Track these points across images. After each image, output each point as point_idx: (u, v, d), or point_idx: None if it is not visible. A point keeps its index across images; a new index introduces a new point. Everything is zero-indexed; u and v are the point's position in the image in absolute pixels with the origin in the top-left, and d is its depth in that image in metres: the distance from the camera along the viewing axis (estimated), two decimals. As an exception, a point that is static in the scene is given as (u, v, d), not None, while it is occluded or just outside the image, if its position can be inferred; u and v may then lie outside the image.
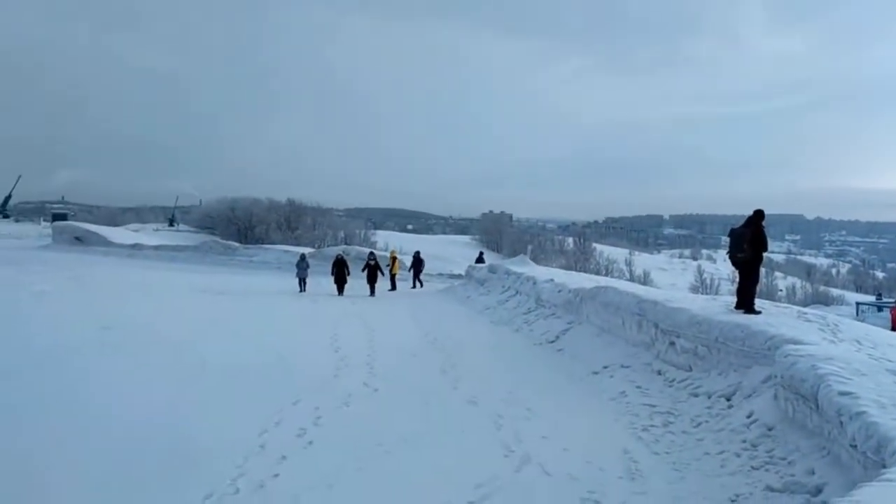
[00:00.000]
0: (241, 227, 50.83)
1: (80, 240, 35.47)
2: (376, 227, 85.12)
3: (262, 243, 44.50)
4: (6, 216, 62.54)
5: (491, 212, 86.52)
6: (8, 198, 66.46)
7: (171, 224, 57.08)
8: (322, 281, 18.45)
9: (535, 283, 13.05)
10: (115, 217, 61.11)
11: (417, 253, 22.02)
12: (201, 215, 57.95)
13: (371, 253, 19.50)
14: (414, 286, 20.78)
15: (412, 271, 21.24)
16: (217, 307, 13.35)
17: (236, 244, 35.34)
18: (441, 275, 25.76)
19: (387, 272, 20.39)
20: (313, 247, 43.11)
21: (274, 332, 10.09)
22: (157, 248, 33.73)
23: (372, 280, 17.75)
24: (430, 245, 57.27)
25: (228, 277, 22.84)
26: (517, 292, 13.94)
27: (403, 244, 43.13)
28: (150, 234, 45.73)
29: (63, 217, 53.87)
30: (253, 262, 30.71)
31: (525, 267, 16.58)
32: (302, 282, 18.14)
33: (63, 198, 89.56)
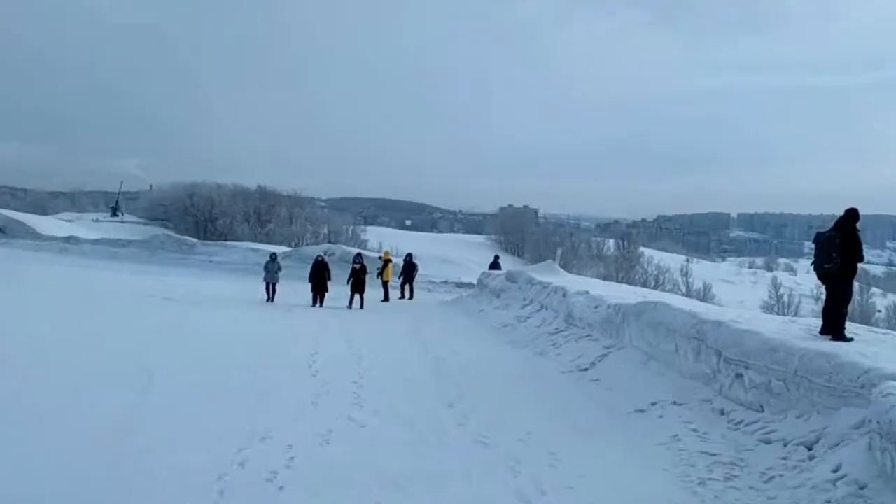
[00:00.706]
0: (199, 218, 51.33)
1: (1, 231, 35.81)
2: (367, 222, 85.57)
3: (226, 239, 44.85)
4: None
5: (511, 206, 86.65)
6: None
7: (114, 214, 57.50)
8: (299, 288, 18.53)
9: (565, 296, 13.06)
10: (45, 203, 61.62)
11: (409, 256, 22.10)
12: (151, 203, 58.52)
13: (358, 255, 19.34)
14: (403, 296, 20.95)
15: (402, 278, 21.35)
16: (168, 316, 13.45)
17: (193, 240, 35.66)
18: (447, 283, 25.85)
19: (375, 278, 20.44)
20: (289, 245, 43.45)
21: (239, 349, 10.13)
22: (96, 242, 34.07)
23: (358, 288, 17.75)
24: (433, 246, 57.42)
25: (183, 280, 23.02)
26: (542, 307, 13.97)
27: (400, 244, 43.32)
28: (89, 226, 46.09)
29: (-22, 201, 54.61)
30: (213, 263, 30.91)
31: (553, 275, 16.58)
32: (270, 287, 18.11)
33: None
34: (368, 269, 18.59)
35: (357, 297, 17.68)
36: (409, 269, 21.55)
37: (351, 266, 18.47)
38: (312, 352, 10.21)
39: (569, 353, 10.52)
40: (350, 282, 17.91)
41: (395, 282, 21.43)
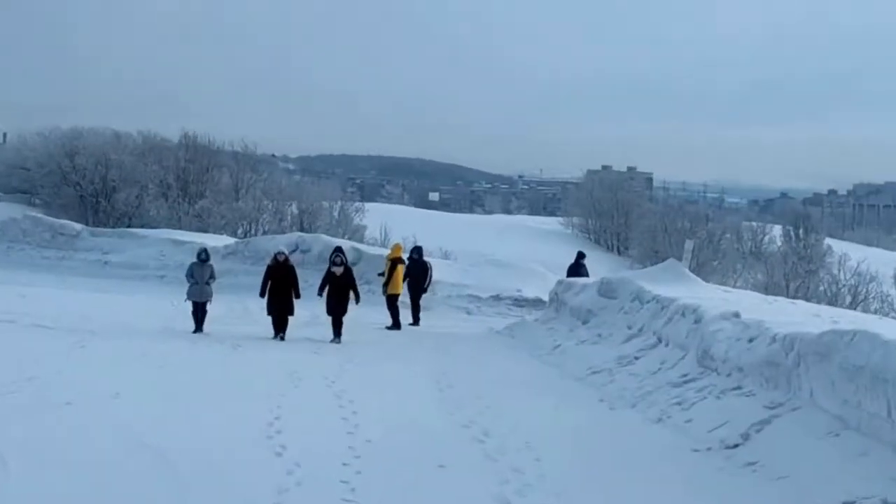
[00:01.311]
0: (86, 190, 52.11)
1: None
2: (365, 196, 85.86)
3: (130, 225, 45.52)
4: None
5: (606, 168, 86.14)
6: None
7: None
8: (250, 305, 18.79)
9: (698, 322, 13.02)
10: None
11: (418, 252, 22.10)
12: (7, 167, 59.54)
13: (338, 250, 19.03)
14: (415, 321, 21.44)
15: (407, 284, 21.62)
16: (34, 355, 13.68)
17: (76, 226, 36.39)
18: (499, 298, 25.90)
19: (382, 293, 20.52)
20: (233, 234, 43.86)
21: (155, 408, 10.27)
22: None
23: (338, 307, 17.81)
24: (474, 235, 57.08)
25: (61, 293, 23.46)
26: (660, 339, 13.99)
27: (420, 232, 43.35)
28: None
29: None
30: (110, 264, 31.43)
31: (679, 285, 16.48)
32: (198, 311, 18.24)
33: None
34: (357, 274, 18.79)
35: (335, 321, 17.85)
36: (416, 276, 21.64)
37: (327, 268, 18.55)
38: (274, 414, 10.32)
39: (705, 417, 10.45)
40: (324, 293, 17.99)
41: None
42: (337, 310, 17.86)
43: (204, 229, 43.31)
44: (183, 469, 8.08)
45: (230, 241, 34.77)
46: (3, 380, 11.53)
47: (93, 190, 51.61)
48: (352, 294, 18.21)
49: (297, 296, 17.92)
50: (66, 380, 12.04)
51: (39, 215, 38.89)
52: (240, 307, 21.81)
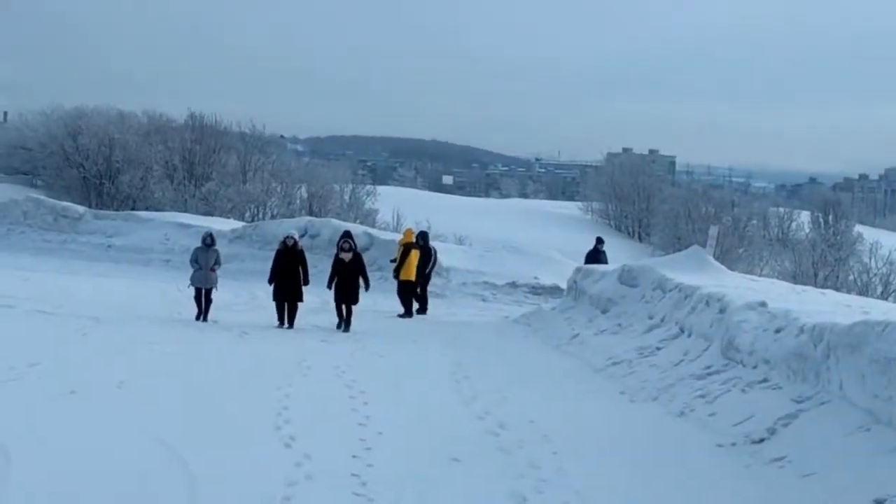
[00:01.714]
0: (90, 171, 52.37)
1: None
2: (378, 179, 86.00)
3: (134, 207, 45.67)
4: None
5: (626, 151, 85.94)
6: None
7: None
8: (258, 292, 18.83)
9: (722, 311, 13.03)
10: None
11: (424, 236, 22.13)
12: (6, 146, 59.81)
13: (346, 234, 19.18)
14: (423, 308, 21.47)
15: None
16: (39, 341, 13.80)
17: (80, 208, 36.57)
18: (515, 286, 25.97)
19: (393, 278, 20.55)
20: (241, 218, 43.99)
21: (160, 398, 10.34)
22: None
23: (347, 295, 17.77)
24: (491, 220, 57.11)
25: (64, 278, 23.58)
26: (683, 330, 14.00)
27: (434, 216, 43.36)
28: None
29: None
30: (114, 248, 31.58)
31: (702, 273, 16.49)
32: (202, 296, 18.27)
33: None
34: (369, 261, 18.79)
35: (341, 308, 17.81)
36: (422, 261, 21.69)
37: (335, 254, 18.51)
38: (281, 404, 10.37)
39: (730, 411, 10.44)
40: (333, 283, 17.96)
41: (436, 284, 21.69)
42: (346, 298, 17.77)
43: (210, 213, 43.49)
44: (190, 460, 8.11)
45: (237, 224, 34.87)
46: (2, 366, 11.60)
47: (96, 171, 51.84)
48: (361, 281, 18.15)
49: (307, 282, 17.92)
50: (69, 367, 12.11)
51: (41, 197, 39.00)
52: (247, 294, 21.87)
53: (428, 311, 21.35)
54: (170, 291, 21.97)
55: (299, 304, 17.85)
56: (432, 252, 22.28)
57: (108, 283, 23.50)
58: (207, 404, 10.45)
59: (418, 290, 21.49)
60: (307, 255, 18.58)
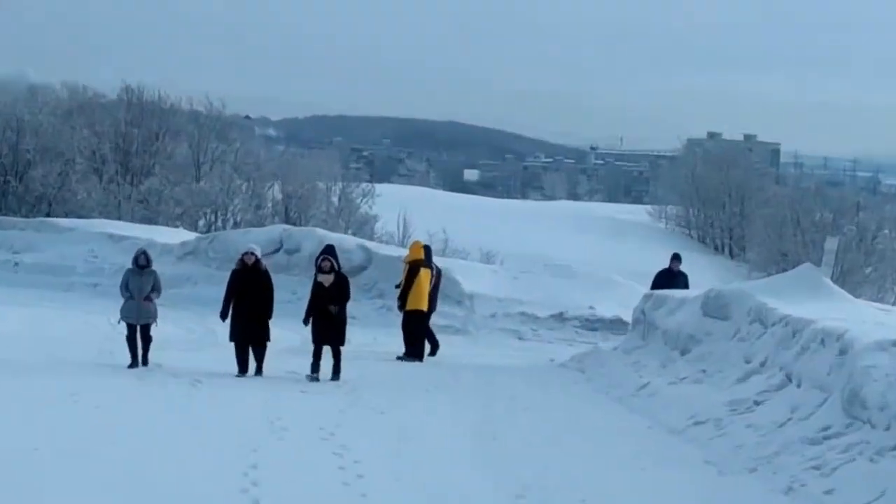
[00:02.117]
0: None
1: None
2: (377, 174, 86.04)
3: (51, 213, 45.74)
4: None
5: (713, 137, 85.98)
6: None
7: None
8: (215, 326, 18.90)
9: (843, 353, 12.98)
10: None
11: (426, 251, 22.16)
12: None
13: (327, 250, 18.63)
14: (434, 349, 21.54)
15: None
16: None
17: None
18: (563, 318, 25.96)
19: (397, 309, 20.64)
20: (195, 227, 44.04)
21: (84, 469, 10.34)
22: None
23: (329, 333, 17.54)
24: (527, 229, 56.92)
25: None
26: (790, 377, 14.01)
27: (451, 225, 43.37)
28: None
29: None
30: (23, 267, 31.67)
31: (815, 301, 16.48)
32: (136, 334, 18.08)
33: None
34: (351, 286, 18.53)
35: (323, 350, 17.59)
36: (434, 287, 21.82)
37: (314, 277, 18.24)
38: (247, 479, 10.33)
39: (853, 486, 10.40)
40: (309, 318, 17.78)
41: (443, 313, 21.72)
42: (329, 337, 17.45)
43: (152, 220, 43.64)
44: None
45: (188, 236, 34.96)
46: None
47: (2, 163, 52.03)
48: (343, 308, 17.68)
49: (269, 315, 17.70)
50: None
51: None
52: (201, 328, 21.93)
53: (439, 352, 21.41)
54: (100, 325, 22.03)
55: (268, 343, 17.76)
56: (439, 273, 22.37)
57: (15, 314, 23.53)
58: (143, 478, 10.26)
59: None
60: (277, 279, 18.51)
